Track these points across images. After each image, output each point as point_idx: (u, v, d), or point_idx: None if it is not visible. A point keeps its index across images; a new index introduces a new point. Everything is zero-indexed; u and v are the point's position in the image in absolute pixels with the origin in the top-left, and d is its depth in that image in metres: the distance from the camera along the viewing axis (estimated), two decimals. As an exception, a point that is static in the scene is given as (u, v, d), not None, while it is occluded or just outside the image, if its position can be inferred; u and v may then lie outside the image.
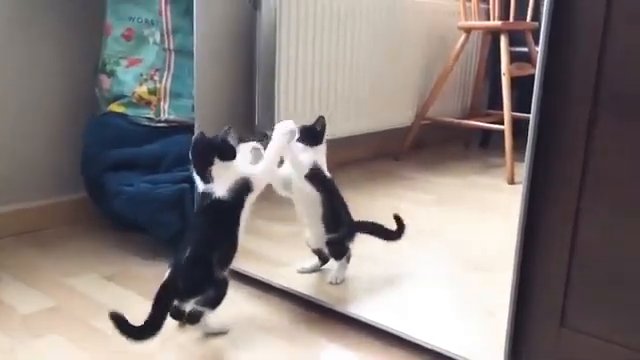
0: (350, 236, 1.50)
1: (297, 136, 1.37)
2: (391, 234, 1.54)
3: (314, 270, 1.54)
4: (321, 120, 1.44)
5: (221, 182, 1.22)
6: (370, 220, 1.54)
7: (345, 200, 1.50)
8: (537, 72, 0.99)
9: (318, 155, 1.44)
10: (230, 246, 1.24)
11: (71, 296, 1.43)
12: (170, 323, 1.30)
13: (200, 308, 1.23)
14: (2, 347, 1.21)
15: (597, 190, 0.99)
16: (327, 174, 1.46)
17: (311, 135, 1.42)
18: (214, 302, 1.23)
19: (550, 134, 1.01)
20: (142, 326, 1.12)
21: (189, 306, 1.22)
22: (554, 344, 1.05)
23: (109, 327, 1.27)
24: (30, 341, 1.23)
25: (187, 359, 1.19)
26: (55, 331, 1.27)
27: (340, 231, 1.48)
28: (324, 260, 1.54)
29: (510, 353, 1.09)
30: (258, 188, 1.26)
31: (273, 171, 1.31)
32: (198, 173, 1.24)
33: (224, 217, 1.23)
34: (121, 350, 1.21)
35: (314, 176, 1.42)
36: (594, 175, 0.98)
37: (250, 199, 1.25)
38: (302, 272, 1.54)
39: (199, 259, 1.20)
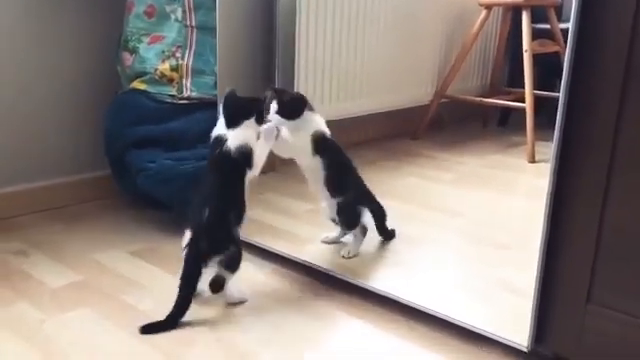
0: (360, 201, 1.50)
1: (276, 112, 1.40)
2: (384, 231, 1.57)
3: (336, 241, 1.56)
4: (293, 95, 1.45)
5: (237, 135, 1.26)
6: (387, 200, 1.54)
7: (354, 165, 1.50)
8: (569, 46, 0.98)
9: (311, 123, 1.43)
10: (242, 204, 1.28)
11: (98, 271, 1.45)
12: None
13: (223, 272, 1.26)
14: (33, 320, 1.24)
15: (627, 165, 0.98)
16: (328, 136, 1.45)
17: (289, 111, 1.40)
18: (235, 262, 1.27)
19: (580, 109, 1.00)
20: (177, 303, 1.20)
21: (212, 268, 1.25)
22: (580, 319, 1.05)
23: (137, 300, 1.31)
24: (60, 314, 1.26)
25: (212, 331, 1.21)
26: (84, 304, 1.30)
27: (347, 194, 1.47)
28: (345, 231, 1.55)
29: (536, 328, 1.10)
30: (256, 167, 1.29)
31: (263, 160, 1.33)
32: (230, 118, 1.28)
33: (235, 174, 1.27)
34: (149, 321, 1.23)
35: (315, 142, 1.42)
36: (623, 151, 0.97)
37: (249, 176, 1.28)
38: (325, 242, 1.57)
39: (220, 218, 1.24)
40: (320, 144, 1.43)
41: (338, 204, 1.48)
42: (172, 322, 1.20)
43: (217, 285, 1.28)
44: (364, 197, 1.52)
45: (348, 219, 1.50)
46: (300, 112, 1.41)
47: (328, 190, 1.46)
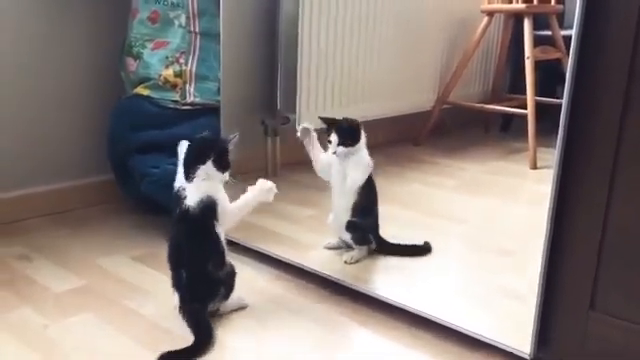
0: (373, 231, 1.53)
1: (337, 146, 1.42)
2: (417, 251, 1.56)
3: (339, 247, 1.56)
4: (350, 122, 1.46)
5: (197, 187, 1.19)
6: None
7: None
8: (572, 52, 0.98)
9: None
10: (216, 248, 1.22)
11: (101, 276, 1.46)
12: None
13: (217, 305, 1.26)
14: (36, 325, 1.24)
15: (630, 168, 0.98)
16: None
17: (351, 136, 1.44)
18: (228, 294, 1.26)
19: (583, 114, 1.00)
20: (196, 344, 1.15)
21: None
22: (583, 326, 1.05)
23: (140, 305, 1.31)
24: (63, 319, 1.26)
25: (217, 337, 1.20)
26: (87, 309, 1.30)
27: (364, 219, 1.49)
28: (348, 246, 1.55)
29: (538, 335, 1.10)
30: (224, 222, 1.22)
31: (235, 219, 1.25)
32: (185, 166, 1.20)
33: (199, 229, 1.21)
34: (152, 328, 1.23)
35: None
36: (626, 153, 0.98)
37: (220, 229, 1.22)
38: (328, 247, 1.57)
39: (198, 278, 1.21)
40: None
41: (351, 221, 1.49)
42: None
43: (214, 313, 1.27)
44: (376, 230, 1.54)
45: (359, 238, 1.52)
46: (358, 137, 1.44)
47: (352, 213, 1.48)
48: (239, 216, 1.26)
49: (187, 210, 1.19)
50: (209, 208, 1.19)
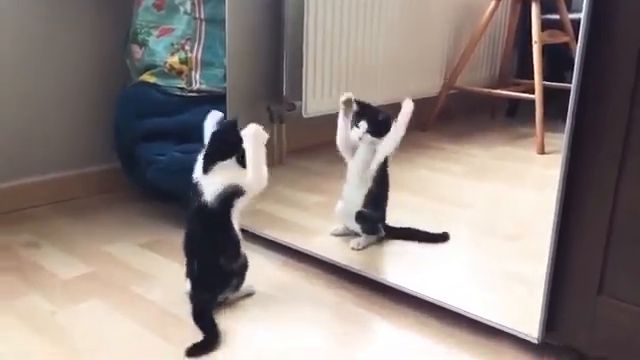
0: (382, 221, 1.52)
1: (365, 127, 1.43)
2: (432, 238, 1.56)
3: (346, 233, 1.56)
4: (383, 115, 1.47)
5: (214, 181, 1.18)
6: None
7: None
8: (581, 31, 0.97)
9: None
10: (231, 242, 1.23)
11: (108, 263, 1.46)
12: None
13: (228, 294, 1.26)
14: (44, 311, 1.25)
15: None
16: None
17: (381, 130, 1.45)
18: (239, 284, 1.27)
19: (593, 94, 0.99)
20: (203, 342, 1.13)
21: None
22: (591, 311, 1.05)
23: (147, 291, 1.32)
24: (71, 305, 1.27)
25: (224, 326, 1.21)
26: (95, 296, 1.30)
27: (376, 210, 1.50)
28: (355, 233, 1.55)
29: (546, 320, 1.09)
30: (250, 193, 1.21)
31: (263, 176, 1.21)
32: (206, 159, 1.19)
33: (215, 224, 1.21)
34: (160, 313, 1.24)
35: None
36: (637, 140, 0.97)
37: (241, 201, 1.21)
38: (335, 234, 1.57)
39: (209, 269, 1.22)
40: (384, 162, 1.49)
41: (362, 212, 1.49)
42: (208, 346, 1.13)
43: (224, 302, 1.27)
44: (383, 219, 1.54)
45: (369, 228, 1.52)
46: (388, 130, 1.45)
47: (364, 201, 1.48)
48: (262, 172, 1.20)
49: (205, 205, 1.19)
50: (228, 198, 1.19)
